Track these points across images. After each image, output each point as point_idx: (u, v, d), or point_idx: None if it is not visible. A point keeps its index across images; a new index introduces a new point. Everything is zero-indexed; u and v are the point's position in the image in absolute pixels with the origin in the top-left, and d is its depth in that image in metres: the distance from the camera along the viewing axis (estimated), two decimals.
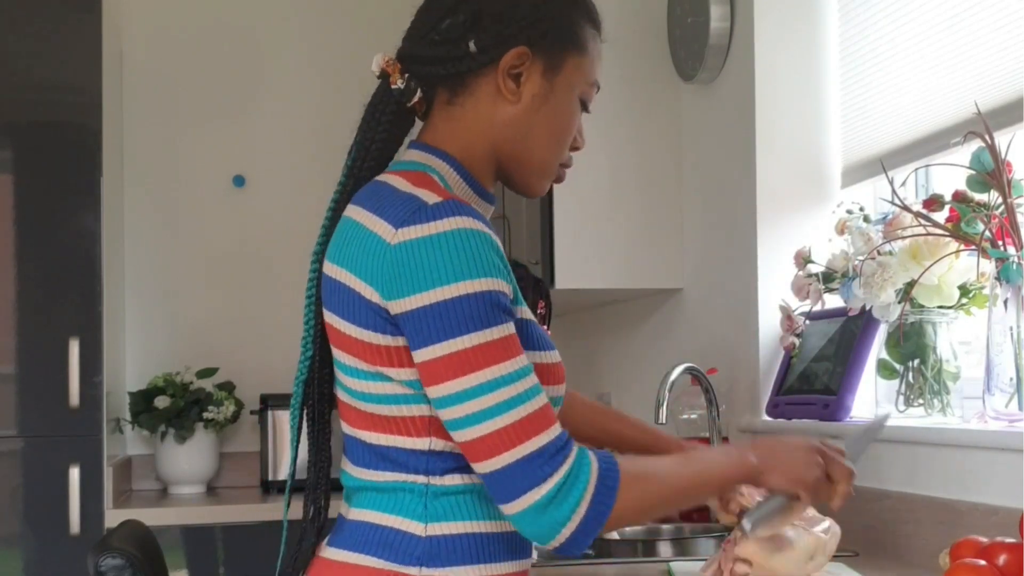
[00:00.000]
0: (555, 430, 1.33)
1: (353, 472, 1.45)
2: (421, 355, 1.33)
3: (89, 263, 3.25)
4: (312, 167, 3.95)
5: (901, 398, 2.11)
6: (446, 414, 1.33)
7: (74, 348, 3.20)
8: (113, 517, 3.15)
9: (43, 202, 3.26)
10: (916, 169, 2.32)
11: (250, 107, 3.97)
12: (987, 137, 1.87)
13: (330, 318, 1.43)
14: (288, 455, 3.63)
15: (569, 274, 2.88)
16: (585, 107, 1.55)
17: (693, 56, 2.82)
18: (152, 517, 2.92)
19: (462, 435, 1.33)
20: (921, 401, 2.08)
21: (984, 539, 1.48)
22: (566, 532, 1.32)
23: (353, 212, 1.42)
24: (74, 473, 3.18)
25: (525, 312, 1.44)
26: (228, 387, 3.74)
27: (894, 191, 2.07)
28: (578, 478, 1.32)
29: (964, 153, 1.98)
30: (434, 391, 1.33)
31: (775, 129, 2.61)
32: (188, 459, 3.65)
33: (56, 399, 3.20)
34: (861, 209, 2.30)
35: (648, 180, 3.00)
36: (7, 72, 3.26)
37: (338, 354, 1.43)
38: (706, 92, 2.86)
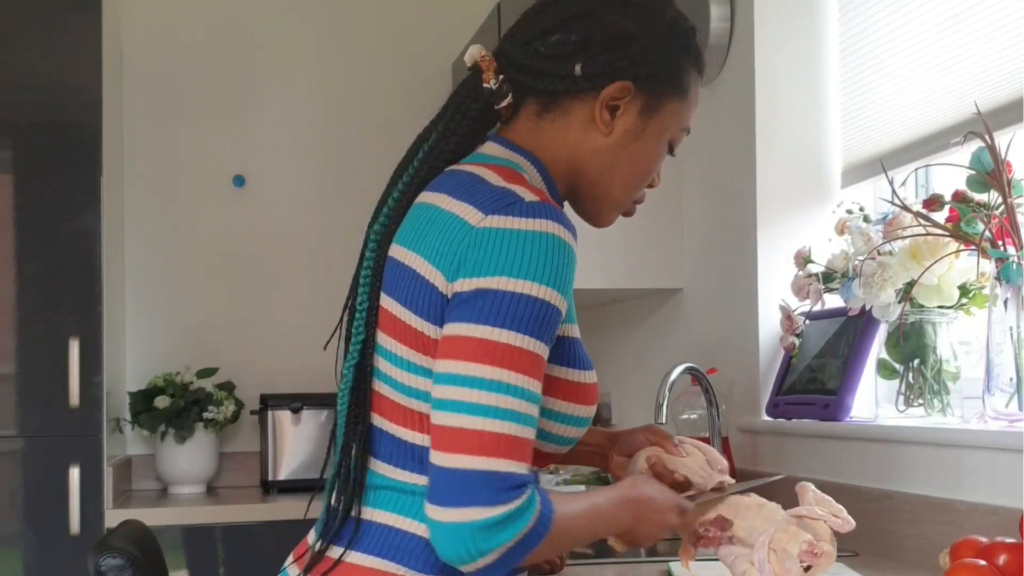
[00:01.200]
0: (526, 468, 1.27)
1: (378, 469, 1.40)
2: (451, 328, 1.28)
3: (89, 263, 3.25)
4: (312, 167, 3.95)
5: (901, 398, 2.12)
6: (440, 391, 1.27)
7: (74, 348, 3.20)
8: (113, 517, 3.15)
9: (43, 202, 3.26)
10: (916, 169, 2.33)
11: (250, 107, 3.96)
12: (987, 137, 1.87)
13: (387, 303, 1.38)
14: (288, 455, 3.65)
15: None
16: (671, 150, 1.54)
17: None
18: (152, 517, 2.92)
19: (443, 417, 1.26)
20: (921, 401, 2.08)
21: (984, 539, 1.48)
22: (482, 563, 1.26)
23: (435, 199, 1.38)
24: (74, 473, 3.18)
25: (574, 331, 1.41)
26: (228, 387, 3.74)
27: (894, 191, 2.07)
28: (521, 517, 1.25)
29: (964, 153, 1.98)
30: (443, 365, 1.28)
31: (775, 129, 2.61)
32: (188, 459, 3.65)
33: (56, 399, 3.20)
34: (861, 209, 2.30)
35: None
36: (7, 72, 3.26)
37: (388, 342, 1.37)
38: (706, 92, 2.86)
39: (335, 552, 1.40)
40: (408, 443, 1.37)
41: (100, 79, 3.27)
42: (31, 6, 3.27)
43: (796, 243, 2.50)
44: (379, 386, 1.40)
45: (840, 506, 1.53)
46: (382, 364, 1.39)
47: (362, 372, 1.40)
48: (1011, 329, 1.82)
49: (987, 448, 1.83)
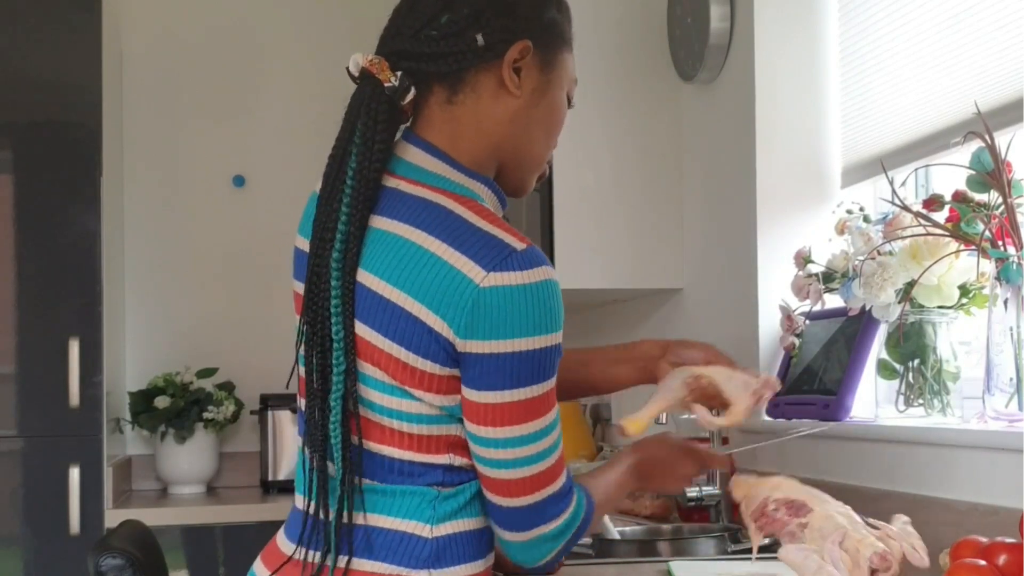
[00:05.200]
0: (565, 473, 1.45)
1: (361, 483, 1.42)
2: (480, 396, 1.37)
3: (89, 263, 3.25)
4: (312, 167, 3.91)
5: (901, 398, 2.11)
6: (485, 452, 1.38)
7: (74, 348, 3.20)
8: (113, 517, 3.15)
9: (43, 202, 3.26)
10: (916, 169, 2.32)
11: (250, 107, 3.97)
12: (987, 137, 1.87)
13: (367, 333, 1.38)
14: (288, 455, 3.65)
15: (569, 274, 2.88)
16: (569, 103, 1.57)
17: (693, 56, 2.82)
18: (152, 517, 2.92)
19: (494, 473, 1.40)
20: (921, 401, 2.08)
21: (984, 539, 1.48)
22: (552, 558, 1.48)
23: (394, 228, 1.39)
24: (74, 473, 3.18)
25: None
26: (228, 387, 3.74)
27: (894, 191, 2.07)
28: (575, 519, 1.47)
29: (964, 153, 1.98)
30: (481, 431, 1.38)
31: (775, 129, 2.61)
32: (188, 459, 3.65)
33: (56, 399, 3.20)
34: (861, 209, 2.30)
35: (648, 180, 2.99)
36: (7, 72, 3.26)
37: (367, 368, 1.39)
38: (706, 92, 2.86)
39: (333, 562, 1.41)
40: (390, 459, 1.41)
41: (100, 79, 3.28)
42: (31, 6, 3.27)
43: (796, 243, 2.49)
44: (363, 410, 1.41)
45: (923, 544, 1.48)
46: (364, 390, 1.40)
47: (348, 402, 1.40)
48: (1011, 329, 1.82)
49: (987, 448, 1.83)
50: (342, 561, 1.40)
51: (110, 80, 3.46)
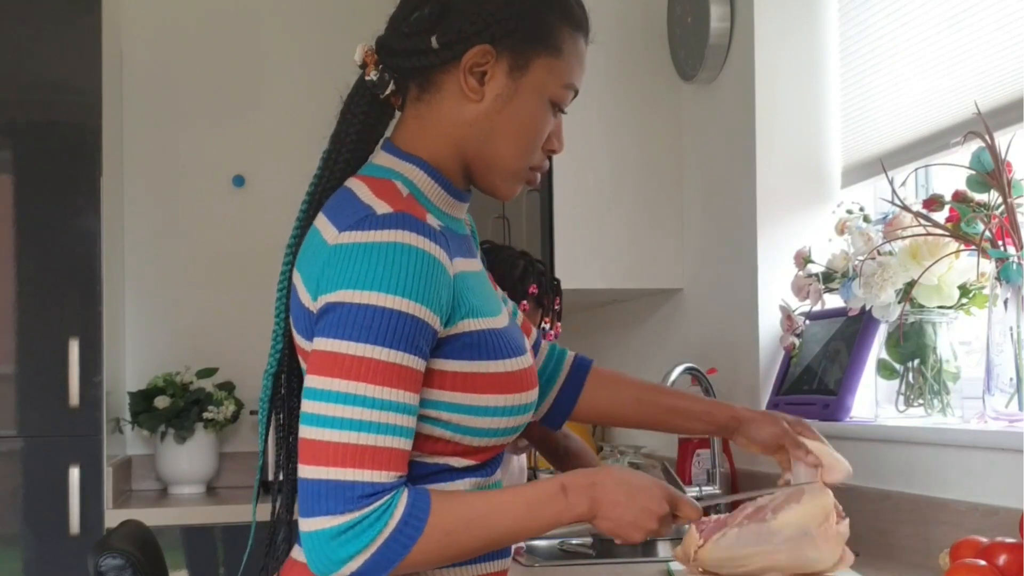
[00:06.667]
0: (380, 476, 1.28)
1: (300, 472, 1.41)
2: (315, 343, 1.32)
3: (89, 263, 3.25)
4: (312, 167, 3.90)
5: (901, 398, 2.11)
6: (304, 406, 1.31)
7: (74, 348, 3.20)
8: (113, 517, 3.16)
9: (43, 202, 3.26)
10: (916, 169, 2.33)
11: (250, 107, 3.97)
12: (987, 137, 1.87)
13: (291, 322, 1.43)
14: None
15: (569, 274, 2.88)
16: (559, 110, 1.48)
17: (693, 56, 2.82)
18: (152, 517, 2.92)
19: (303, 431, 1.31)
20: (921, 401, 2.08)
21: (984, 539, 1.48)
22: (346, 571, 1.27)
23: (318, 220, 1.42)
24: (74, 473, 3.18)
25: (488, 323, 1.40)
26: (228, 387, 3.74)
27: (894, 191, 2.07)
28: (373, 526, 1.27)
29: (964, 153, 1.98)
30: (308, 380, 1.32)
31: (775, 129, 2.61)
32: (188, 459, 3.65)
33: (56, 399, 3.20)
34: (861, 209, 2.30)
35: (648, 180, 3.00)
36: (7, 72, 3.26)
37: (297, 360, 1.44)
38: (706, 92, 2.86)
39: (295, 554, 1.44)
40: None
41: (100, 79, 3.28)
42: (31, 6, 3.27)
43: (796, 243, 2.50)
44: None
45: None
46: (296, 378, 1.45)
47: (278, 382, 1.45)
48: (1011, 329, 1.82)
49: (987, 448, 1.83)
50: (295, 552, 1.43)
51: (110, 80, 3.46)
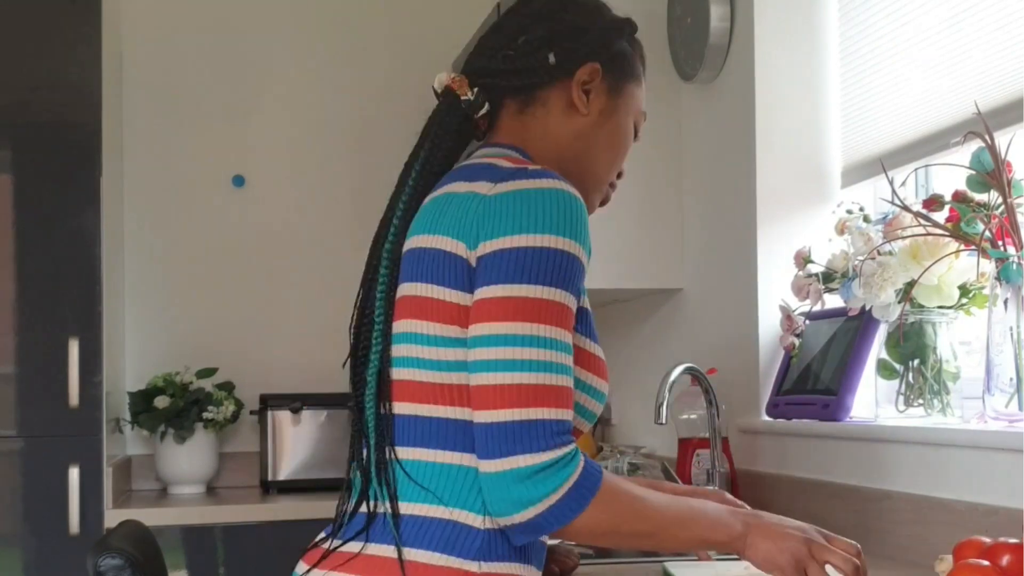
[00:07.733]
0: (567, 414, 1.32)
1: (403, 455, 1.41)
2: (482, 292, 1.34)
3: (89, 263, 3.25)
4: (312, 167, 3.94)
5: (901, 398, 2.11)
6: (475, 353, 1.33)
7: (74, 348, 3.20)
8: (113, 517, 3.15)
9: (43, 202, 3.26)
10: (916, 169, 2.33)
11: (250, 107, 3.96)
12: (987, 137, 1.87)
13: (410, 289, 1.41)
14: (288, 455, 3.65)
15: None
16: (635, 134, 1.64)
17: (693, 56, 2.82)
18: (152, 517, 2.92)
19: (480, 378, 1.32)
20: (921, 401, 2.08)
21: (987, 540, 1.48)
22: (530, 513, 1.29)
23: (446, 189, 1.45)
24: (74, 473, 3.18)
25: (585, 301, 1.45)
26: (228, 387, 3.74)
27: (894, 191, 2.07)
28: (567, 466, 1.30)
29: (964, 153, 1.98)
30: (477, 328, 1.33)
31: (775, 129, 2.61)
32: (188, 459, 3.64)
33: (56, 399, 3.20)
34: (861, 209, 2.31)
35: (648, 180, 3.00)
36: (7, 72, 3.26)
37: (413, 326, 1.40)
38: (706, 92, 2.86)
39: (355, 547, 1.40)
40: (434, 419, 1.39)
41: (100, 79, 3.27)
42: (31, 6, 3.27)
43: (796, 243, 2.50)
44: (405, 372, 1.41)
45: None
46: (406, 350, 1.41)
47: (383, 380, 1.43)
48: (1011, 329, 1.82)
49: (987, 448, 1.83)
50: (356, 546, 1.39)
51: (110, 80, 3.46)
